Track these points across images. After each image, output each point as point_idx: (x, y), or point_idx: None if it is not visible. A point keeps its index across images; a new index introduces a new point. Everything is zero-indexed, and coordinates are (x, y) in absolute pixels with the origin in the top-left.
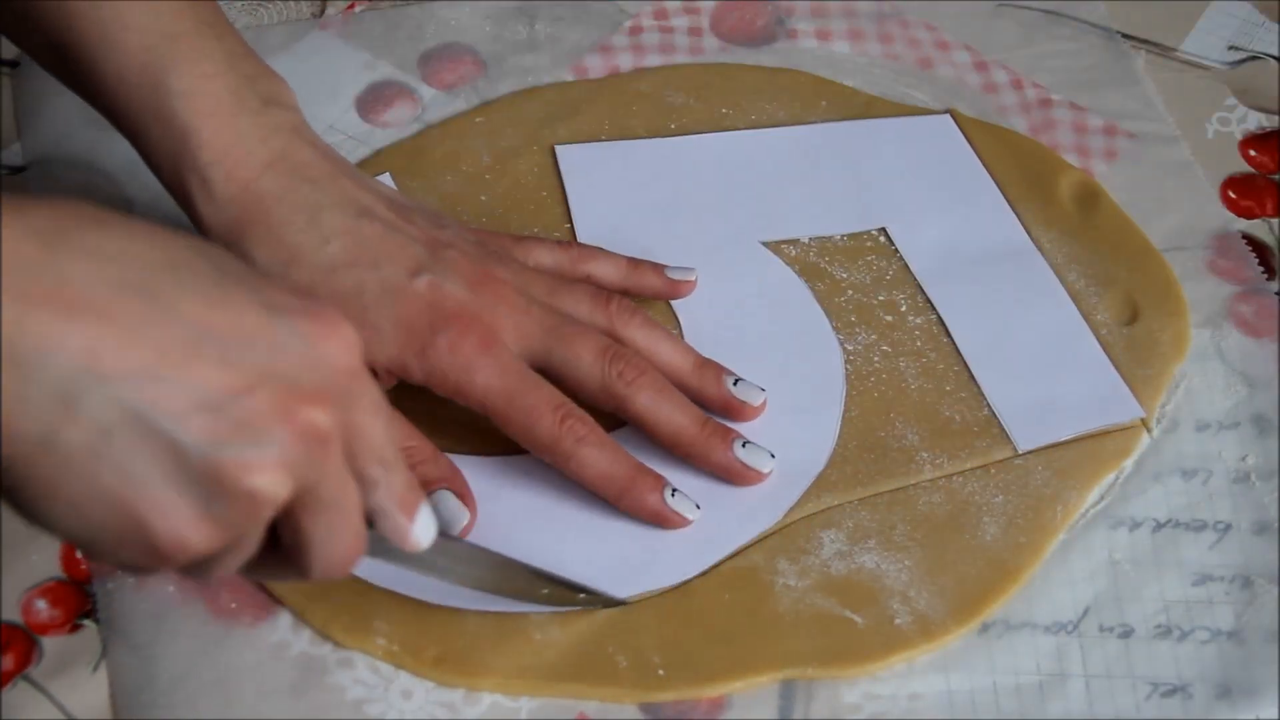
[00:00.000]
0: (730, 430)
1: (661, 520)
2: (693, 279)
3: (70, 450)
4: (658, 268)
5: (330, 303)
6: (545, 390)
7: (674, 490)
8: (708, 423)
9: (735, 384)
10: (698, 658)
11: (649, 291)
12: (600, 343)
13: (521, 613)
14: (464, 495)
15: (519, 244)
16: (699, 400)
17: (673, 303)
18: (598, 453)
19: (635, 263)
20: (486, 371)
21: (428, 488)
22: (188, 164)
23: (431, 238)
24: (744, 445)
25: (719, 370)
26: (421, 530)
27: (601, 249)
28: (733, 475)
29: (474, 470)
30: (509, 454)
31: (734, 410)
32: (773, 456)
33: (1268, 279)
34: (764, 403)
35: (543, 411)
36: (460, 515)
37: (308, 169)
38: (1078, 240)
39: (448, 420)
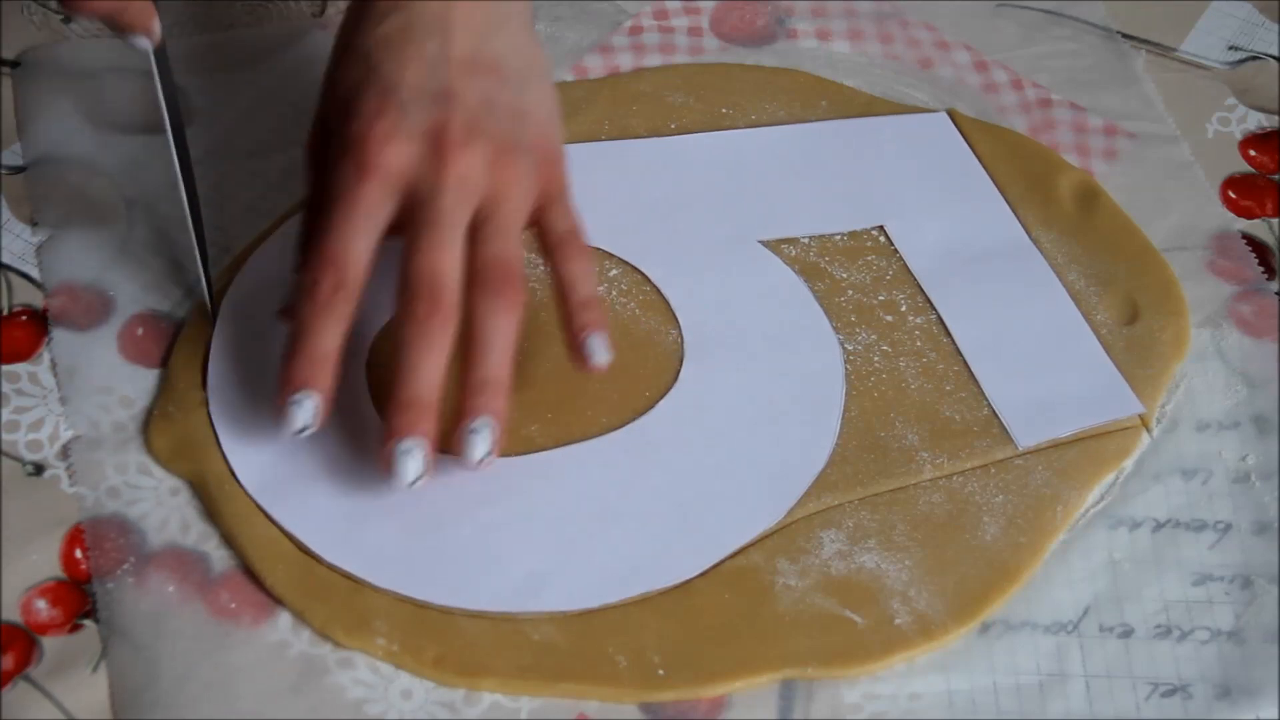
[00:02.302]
0: (409, 430)
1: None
2: (596, 364)
3: None
4: (592, 323)
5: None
6: (348, 243)
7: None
8: (414, 408)
9: (473, 431)
10: (698, 658)
11: (566, 331)
12: (441, 269)
13: (520, 613)
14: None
15: (558, 199)
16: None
17: (672, 303)
18: (310, 311)
19: (589, 301)
20: (339, 179)
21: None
22: None
23: (459, 89)
24: (404, 450)
25: (488, 402)
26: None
27: (591, 268)
28: (381, 460)
29: (474, 472)
30: (510, 455)
31: (456, 445)
32: (413, 482)
33: (1268, 279)
34: (478, 465)
35: (321, 249)
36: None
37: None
38: (1078, 240)
39: (447, 422)
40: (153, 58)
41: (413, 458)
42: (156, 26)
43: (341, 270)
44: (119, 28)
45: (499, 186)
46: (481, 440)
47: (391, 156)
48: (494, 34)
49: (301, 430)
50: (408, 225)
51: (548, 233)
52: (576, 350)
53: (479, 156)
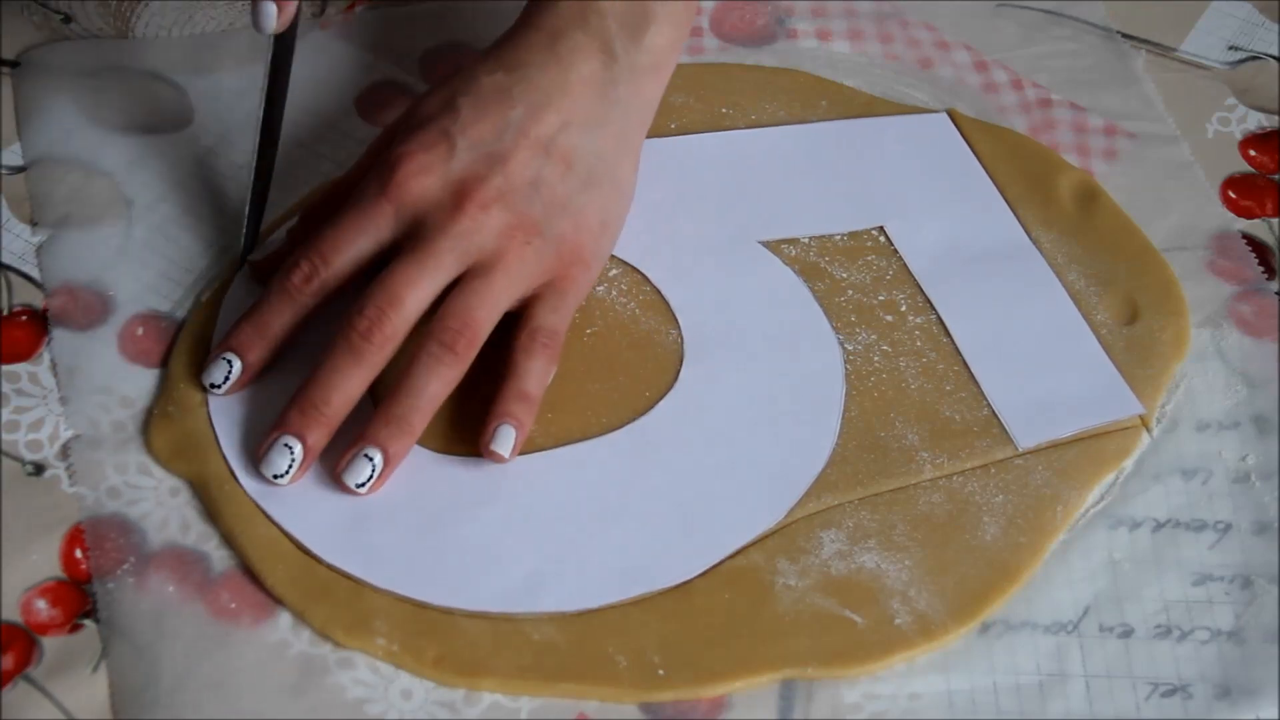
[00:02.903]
0: (307, 439)
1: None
2: (494, 451)
3: None
4: (515, 416)
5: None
6: (337, 244)
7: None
8: (314, 413)
9: (366, 456)
10: (698, 658)
11: (490, 410)
12: (403, 297)
13: (520, 613)
14: (283, 9)
15: (558, 295)
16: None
17: (672, 304)
18: (275, 289)
19: (527, 396)
20: (363, 185)
21: None
22: None
23: (515, 160)
24: (286, 444)
25: (391, 438)
26: (259, 12)
27: (548, 374)
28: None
29: (474, 472)
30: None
31: (341, 464)
32: (278, 477)
33: (1268, 279)
34: (354, 489)
35: (314, 239)
36: (266, 23)
37: (570, 54)
38: (1078, 240)
39: (447, 421)
40: (271, 42)
41: (289, 455)
42: (287, 12)
43: (320, 267)
44: None
45: (498, 255)
46: (364, 469)
47: (415, 187)
48: (586, 130)
49: (214, 386)
50: (399, 252)
51: (529, 319)
52: (486, 429)
53: (493, 220)
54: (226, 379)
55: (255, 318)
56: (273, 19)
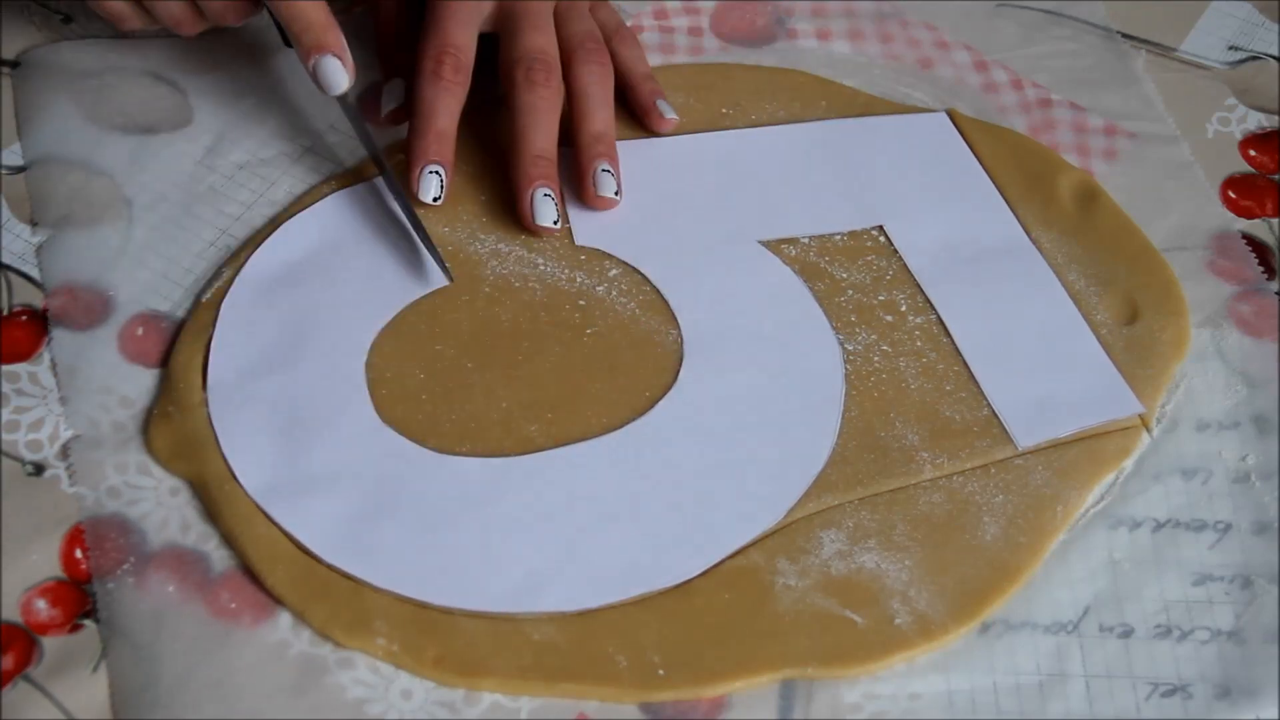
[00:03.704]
0: (543, 178)
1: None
2: (669, 120)
3: None
4: (659, 91)
5: None
6: (460, 32)
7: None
8: (543, 160)
9: (604, 170)
10: (698, 658)
11: (635, 101)
12: (547, 46)
13: (520, 613)
14: (344, 60)
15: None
16: (572, 139)
17: (671, 304)
18: (433, 93)
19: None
20: None
21: (311, 54)
22: None
23: None
24: (544, 195)
25: (606, 150)
26: (324, 70)
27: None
28: (517, 195)
29: (475, 472)
30: (510, 456)
31: (585, 193)
32: (555, 223)
33: (1268, 279)
34: (613, 197)
35: (438, 39)
36: (338, 79)
37: None
38: (1078, 240)
39: (447, 422)
40: (346, 102)
41: (549, 202)
42: (349, 62)
43: (458, 55)
44: (306, 42)
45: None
46: (610, 178)
47: None
48: None
49: (434, 199)
50: (505, 19)
51: (603, 25)
52: (648, 113)
53: None
54: (441, 189)
55: (432, 125)
56: (343, 75)
